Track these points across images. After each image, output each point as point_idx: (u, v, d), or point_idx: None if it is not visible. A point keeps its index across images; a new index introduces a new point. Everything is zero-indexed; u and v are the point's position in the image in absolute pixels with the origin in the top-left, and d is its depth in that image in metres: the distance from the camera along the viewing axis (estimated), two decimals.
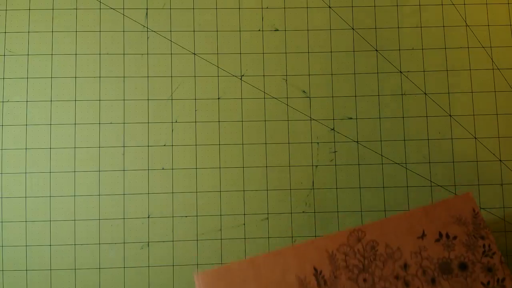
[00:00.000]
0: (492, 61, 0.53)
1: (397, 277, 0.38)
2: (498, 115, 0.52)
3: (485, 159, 0.51)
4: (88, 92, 0.51)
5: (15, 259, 0.49)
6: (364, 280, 0.38)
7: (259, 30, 0.52)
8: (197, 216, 0.50)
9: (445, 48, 0.53)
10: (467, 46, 0.53)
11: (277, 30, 0.53)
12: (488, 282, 0.37)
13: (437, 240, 0.39)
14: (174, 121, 0.51)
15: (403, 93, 0.52)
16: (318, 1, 0.53)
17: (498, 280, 0.37)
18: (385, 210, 0.50)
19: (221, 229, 0.50)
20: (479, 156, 0.51)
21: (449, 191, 0.51)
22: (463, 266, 0.38)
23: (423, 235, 0.39)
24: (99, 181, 0.50)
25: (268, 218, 0.50)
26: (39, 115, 0.51)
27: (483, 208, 0.51)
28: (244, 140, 0.51)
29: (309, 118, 0.51)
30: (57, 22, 0.52)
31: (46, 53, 0.51)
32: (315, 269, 0.38)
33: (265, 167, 0.51)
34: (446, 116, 0.52)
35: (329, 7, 0.53)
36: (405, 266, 0.38)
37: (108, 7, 0.52)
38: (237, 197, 0.50)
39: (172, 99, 0.51)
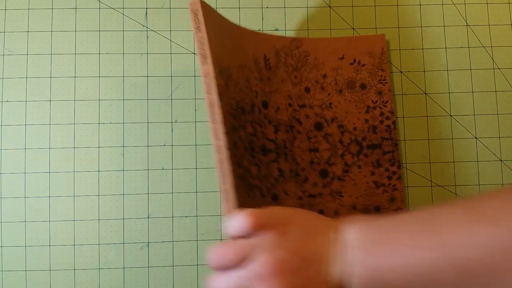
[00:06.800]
0: (493, 60, 0.53)
1: (317, 82, 0.51)
2: (498, 115, 0.52)
3: (486, 159, 0.51)
4: (87, 92, 0.51)
5: (15, 259, 0.49)
6: (295, 77, 0.50)
7: (259, 30, 0.52)
8: (197, 216, 0.50)
9: (445, 48, 0.53)
10: (467, 46, 0.53)
11: (277, 30, 0.52)
12: (376, 101, 0.51)
13: (351, 64, 0.51)
14: (174, 121, 0.51)
15: (403, 93, 0.52)
16: (318, 1, 0.53)
17: (383, 101, 0.51)
18: None
19: (221, 229, 0.50)
20: (479, 156, 0.51)
21: (449, 191, 0.51)
22: (363, 86, 0.51)
23: (342, 58, 0.51)
24: (98, 181, 0.50)
25: None
26: (38, 115, 0.50)
27: None
28: None
29: None
30: (56, 21, 0.52)
31: (45, 52, 0.51)
32: (265, 55, 0.49)
33: None
34: (446, 116, 0.52)
35: (329, 7, 0.53)
36: (324, 76, 0.51)
37: (108, 7, 0.52)
38: None
39: (172, 99, 0.51)
